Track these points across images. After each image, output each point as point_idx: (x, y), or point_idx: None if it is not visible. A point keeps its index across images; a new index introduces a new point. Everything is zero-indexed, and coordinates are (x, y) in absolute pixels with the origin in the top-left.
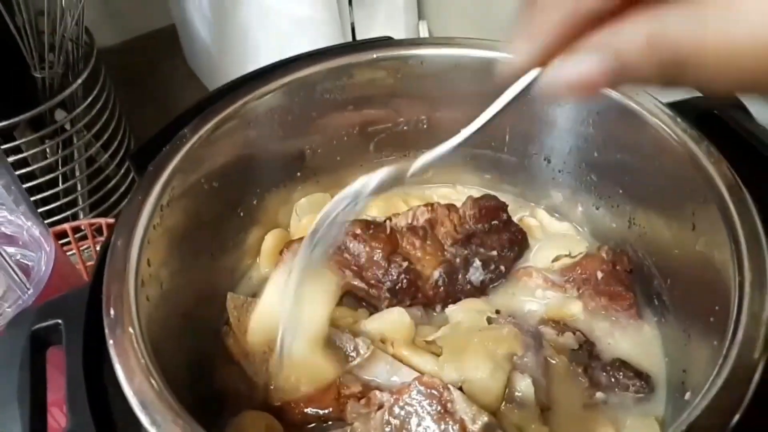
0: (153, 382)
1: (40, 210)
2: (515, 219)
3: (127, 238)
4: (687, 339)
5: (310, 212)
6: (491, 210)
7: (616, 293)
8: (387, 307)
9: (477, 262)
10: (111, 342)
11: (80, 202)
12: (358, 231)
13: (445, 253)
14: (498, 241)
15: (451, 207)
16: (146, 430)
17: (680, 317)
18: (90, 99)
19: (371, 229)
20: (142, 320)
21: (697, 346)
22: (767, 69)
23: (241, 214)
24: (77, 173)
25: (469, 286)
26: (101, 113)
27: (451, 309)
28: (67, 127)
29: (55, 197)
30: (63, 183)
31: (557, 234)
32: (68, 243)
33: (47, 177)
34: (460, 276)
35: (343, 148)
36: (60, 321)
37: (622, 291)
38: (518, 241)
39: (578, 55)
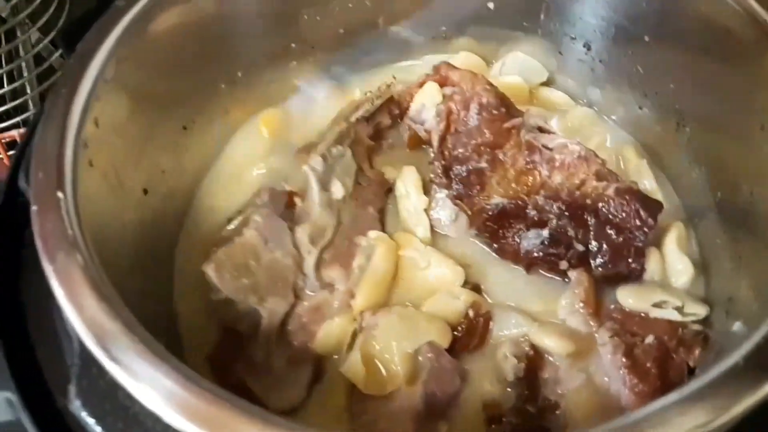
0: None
1: None
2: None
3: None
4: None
5: None
6: (635, 212)
7: (646, 374)
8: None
9: (546, 233)
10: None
11: (31, 106)
12: (490, 102)
13: (535, 197)
14: (606, 245)
15: (593, 161)
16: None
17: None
18: None
19: (501, 109)
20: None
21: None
22: None
23: (223, 86)
24: (25, 73)
25: (513, 246)
26: (47, 3)
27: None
28: (8, 18)
29: (1, 100)
30: (9, 83)
31: None
32: None
33: None
34: (518, 226)
35: (348, 16)
36: None
37: (655, 377)
38: (631, 270)
39: None
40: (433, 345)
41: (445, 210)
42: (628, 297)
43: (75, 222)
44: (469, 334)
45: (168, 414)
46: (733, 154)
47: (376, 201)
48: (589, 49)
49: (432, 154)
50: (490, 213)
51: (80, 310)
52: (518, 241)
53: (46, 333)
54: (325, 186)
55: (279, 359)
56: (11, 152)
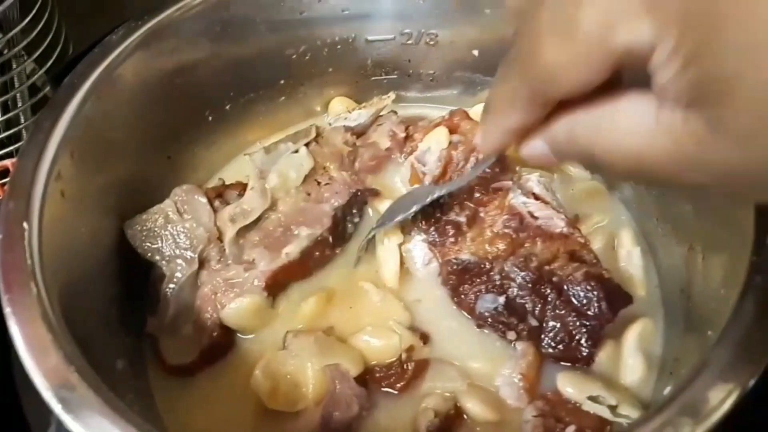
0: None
1: None
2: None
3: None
4: None
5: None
6: (597, 300)
7: None
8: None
9: (502, 300)
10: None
11: (24, 136)
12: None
13: (503, 262)
14: (560, 326)
15: (572, 240)
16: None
17: None
18: (28, 19)
19: (495, 169)
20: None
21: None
22: (653, 172)
23: (210, 118)
24: (19, 103)
25: (468, 304)
26: (43, 35)
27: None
28: (4, 51)
29: None
30: (3, 114)
31: None
32: None
33: None
34: (478, 287)
35: (336, 59)
36: None
37: None
38: (580, 358)
39: (532, 142)
40: (338, 368)
41: (419, 252)
42: (567, 384)
43: (36, 252)
44: (396, 375)
45: None
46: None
47: (333, 200)
48: None
49: None
50: (454, 266)
51: (30, 344)
52: (474, 300)
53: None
54: (262, 174)
55: (186, 323)
56: (3, 180)
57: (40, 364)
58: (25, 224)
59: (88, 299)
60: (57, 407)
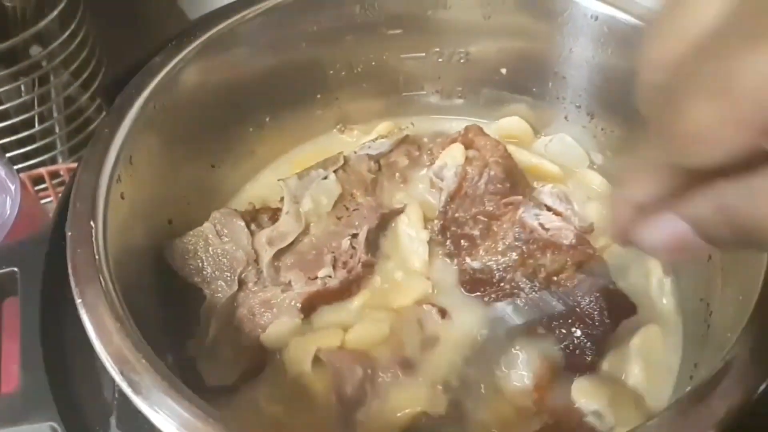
0: (131, 339)
1: (14, 153)
2: None
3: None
4: None
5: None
6: (600, 310)
7: None
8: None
9: (511, 309)
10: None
11: (58, 145)
12: (497, 175)
13: (513, 273)
14: (564, 334)
15: (580, 251)
16: (121, 394)
17: None
18: (67, 33)
19: (506, 184)
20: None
21: None
22: None
23: (251, 130)
24: (55, 114)
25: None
26: (80, 49)
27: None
28: (44, 63)
29: (31, 139)
30: (39, 124)
31: None
32: (45, 189)
33: (22, 117)
34: (491, 295)
35: (369, 75)
36: (16, 269)
37: None
38: (584, 364)
39: (661, 221)
40: (322, 351)
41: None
42: (579, 394)
43: (102, 249)
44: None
45: None
46: None
47: (364, 225)
48: (592, 117)
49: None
50: (468, 276)
51: (101, 333)
52: (506, 314)
53: (87, 369)
54: (296, 199)
55: (225, 345)
56: (37, 187)
57: (110, 353)
58: (92, 223)
59: (140, 300)
60: (128, 391)
